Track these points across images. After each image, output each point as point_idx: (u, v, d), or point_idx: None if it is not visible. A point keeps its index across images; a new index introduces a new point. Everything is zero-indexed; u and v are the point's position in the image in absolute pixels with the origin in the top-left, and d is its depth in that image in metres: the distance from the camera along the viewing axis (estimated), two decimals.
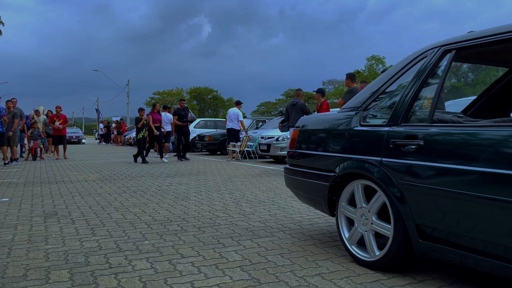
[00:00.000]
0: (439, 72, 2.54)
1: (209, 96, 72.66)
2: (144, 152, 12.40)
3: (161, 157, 13.03)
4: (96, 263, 2.96)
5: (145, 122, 12.41)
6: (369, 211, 2.78)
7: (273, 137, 12.00)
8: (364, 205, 2.82)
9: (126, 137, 28.35)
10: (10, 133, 11.70)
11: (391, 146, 2.57)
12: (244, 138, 13.50)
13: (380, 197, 2.69)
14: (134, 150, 21.24)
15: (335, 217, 3.15)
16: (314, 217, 4.49)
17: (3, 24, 38.28)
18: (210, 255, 3.14)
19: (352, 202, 2.99)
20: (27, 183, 7.56)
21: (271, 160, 13.21)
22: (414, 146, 2.42)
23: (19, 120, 12.48)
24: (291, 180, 3.63)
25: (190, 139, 17.72)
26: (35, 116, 16.21)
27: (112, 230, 3.93)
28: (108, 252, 3.23)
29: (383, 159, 2.61)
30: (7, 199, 5.85)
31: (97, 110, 46.13)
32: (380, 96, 2.91)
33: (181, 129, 13.31)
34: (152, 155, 16.24)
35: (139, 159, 12.54)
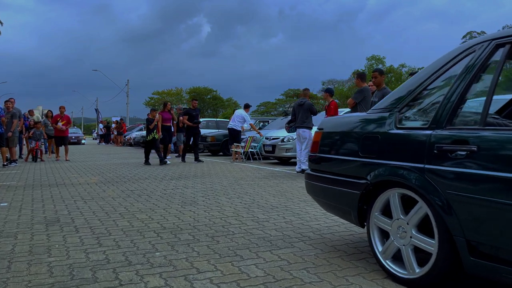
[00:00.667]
0: (491, 68, 2.28)
1: (209, 96, 72.44)
2: (152, 153, 12.01)
3: (164, 157, 12.69)
4: (104, 279, 2.69)
5: (156, 123, 11.92)
6: (407, 224, 2.51)
7: (279, 138, 11.73)
8: (401, 216, 2.56)
9: (126, 137, 28.06)
10: (10, 133, 11.41)
11: (435, 151, 2.31)
12: (248, 139, 13.24)
13: (421, 208, 2.42)
14: (135, 150, 20.98)
15: (365, 228, 2.88)
16: (332, 224, 4.22)
17: (2, 24, 37.98)
18: (229, 269, 2.87)
19: (386, 212, 2.72)
20: (27, 186, 7.28)
21: (276, 161, 12.94)
22: (464, 152, 2.16)
23: (18, 121, 12.19)
24: (313, 187, 3.36)
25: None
26: (29, 115, 15.99)
27: (119, 240, 3.66)
28: (117, 266, 2.96)
29: (426, 165, 2.34)
30: (6, 203, 5.57)
31: (96, 110, 45.80)
32: (418, 96, 2.64)
33: (192, 130, 12.64)
34: (153, 156, 15.95)
35: (154, 158, 12.10)
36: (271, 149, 11.95)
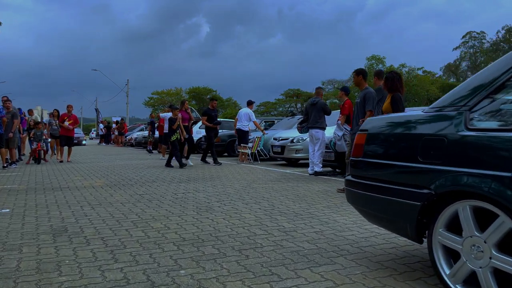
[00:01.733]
0: None
1: (208, 96, 71.85)
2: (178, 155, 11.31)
3: (187, 158, 11.96)
4: None
5: (179, 123, 11.23)
6: (485, 242, 2.14)
7: (288, 139, 11.34)
8: (476, 233, 2.18)
9: (127, 137, 27.65)
10: (11, 134, 11.01)
11: None
12: (256, 139, 12.86)
13: (504, 224, 2.05)
14: (136, 151, 20.54)
15: (427, 246, 2.50)
16: (368, 235, 3.85)
17: (0, 23, 37.43)
18: None
19: (452, 227, 2.35)
20: (29, 190, 6.90)
21: (283, 162, 12.58)
22: None
23: (17, 120, 11.77)
24: (356, 196, 2.99)
25: (195, 140, 17.03)
26: (26, 114, 15.61)
27: (136, 254, 3.28)
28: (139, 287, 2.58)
29: None
30: (8, 210, 5.19)
31: (96, 110, 45.29)
32: (495, 91, 2.26)
33: (212, 130, 12.12)
34: (156, 156, 15.57)
35: (169, 161, 11.43)
36: (280, 150, 11.57)
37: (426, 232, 2.53)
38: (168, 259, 3.14)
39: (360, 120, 6.47)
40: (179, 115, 11.35)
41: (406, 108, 7.72)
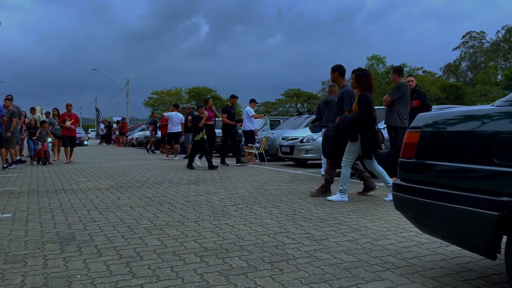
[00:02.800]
0: None
1: (208, 96, 71.46)
2: (197, 155, 10.99)
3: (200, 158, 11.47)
4: None
5: (204, 121, 10.71)
6: None
7: (297, 138, 10.96)
8: None
9: (128, 137, 27.28)
10: (9, 133, 10.63)
11: None
12: (263, 139, 12.49)
13: None
14: (138, 151, 20.18)
15: (505, 264, 2.14)
16: (409, 244, 3.48)
17: (0, 23, 37.01)
18: None
19: None
20: (31, 192, 6.53)
21: (292, 163, 12.22)
22: None
23: (18, 119, 11.38)
24: (408, 202, 2.63)
25: None
26: (29, 114, 15.24)
27: (155, 267, 2.91)
28: None
29: None
30: (9, 214, 4.82)
31: (97, 109, 44.71)
32: None
33: (231, 129, 11.61)
34: (159, 157, 15.21)
35: (192, 162, 10.89)
36: (288, 150, 11.20)
37: (502, 246, 2.17)
38: (192, 274, 2.78)
39: (337, 118, 6.05)
40: (205, 112, 10.88)
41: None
